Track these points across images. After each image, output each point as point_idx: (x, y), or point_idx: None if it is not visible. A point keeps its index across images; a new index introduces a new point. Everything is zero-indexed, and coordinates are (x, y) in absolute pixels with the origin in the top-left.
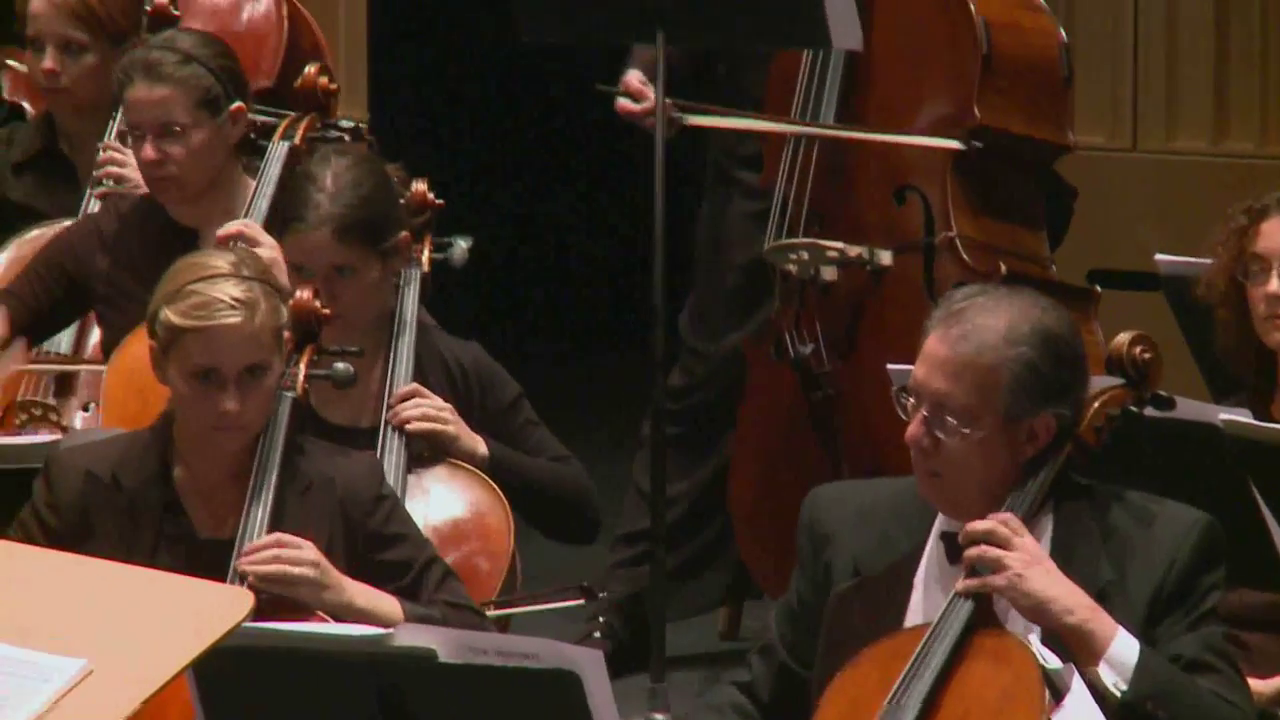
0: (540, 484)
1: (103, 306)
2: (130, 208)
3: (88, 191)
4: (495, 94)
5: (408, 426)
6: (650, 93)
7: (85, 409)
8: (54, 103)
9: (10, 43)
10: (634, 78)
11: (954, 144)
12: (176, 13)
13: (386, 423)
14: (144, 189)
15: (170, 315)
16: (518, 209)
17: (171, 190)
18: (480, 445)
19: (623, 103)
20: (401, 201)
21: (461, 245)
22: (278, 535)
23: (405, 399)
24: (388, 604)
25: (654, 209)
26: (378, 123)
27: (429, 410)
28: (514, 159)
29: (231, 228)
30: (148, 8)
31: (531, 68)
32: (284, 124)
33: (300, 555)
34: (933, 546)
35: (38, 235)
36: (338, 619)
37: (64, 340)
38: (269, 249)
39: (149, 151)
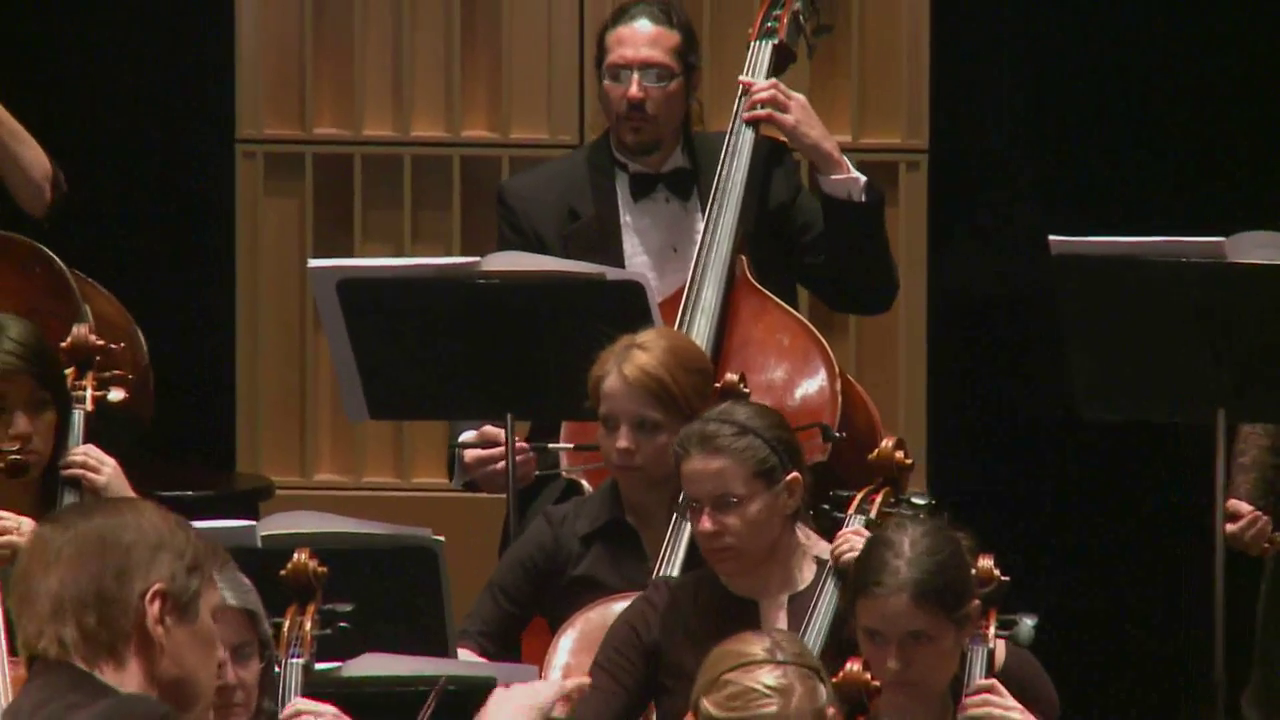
0: None
1: (661, 677)
2: (685, 580)
3: (655, 565)
4: (1054, 467)
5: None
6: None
7: None
8: (625, 479)
9: (583, 417)
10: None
11: None
12: (746, 389)
13: None
14: None
15: (709, 706)
16: (1080, 584)
17: (729, 561)
18: None
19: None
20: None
21: (1028, 623)
22: None
23: (977, 694)
24: None
25: (1214, 591)
26: (937, 494)
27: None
28: (1075, 534)
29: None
30: (716, 384)
31: (1090, 442)
32: (858, 496)
33: None
34: None
35: (604, 610)
36: None
37: None
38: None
39: (706, 523)
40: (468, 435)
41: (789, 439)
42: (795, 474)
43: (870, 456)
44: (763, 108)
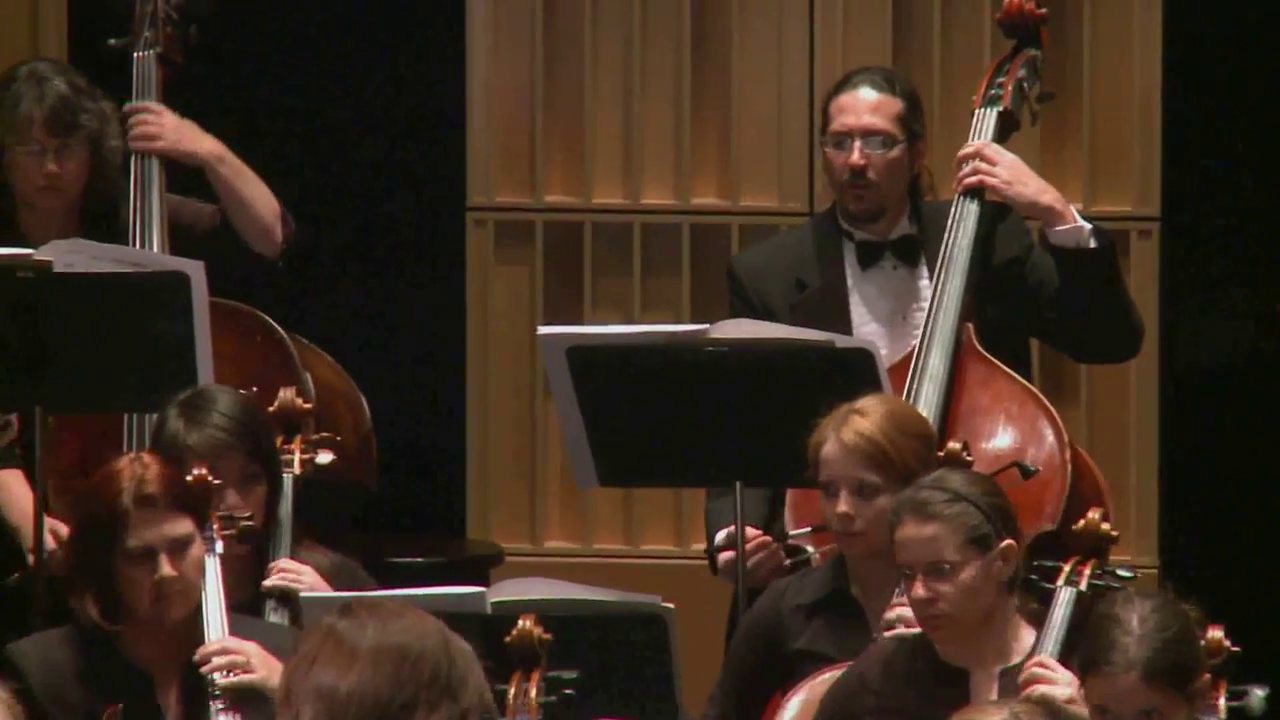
0: None
1: None
2: (895, 648)
3: (876, 637)
4: None
5: None
6: None
7: None
8: (847, 546)
9: (810, 484)
10: None
11: None
12: (969, 458)
13: None
14: None
15: None
16: None
17: (942, 628)
18: None
19: None
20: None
21: (1258, 694)
22: None
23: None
24: None
25: None
26: (1170, 566)
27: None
28: None
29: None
30: (939, 452)
31: None
32: (1066, 567)
33: None
34: None
35: (830, 678)
36: None
37: None
38: (1065, 686)
39: (919, 590)
40: (721, 536)
41: (1003, 506)
42: (1010, 541)
43: (1074, 527)
44: (970, 169)
